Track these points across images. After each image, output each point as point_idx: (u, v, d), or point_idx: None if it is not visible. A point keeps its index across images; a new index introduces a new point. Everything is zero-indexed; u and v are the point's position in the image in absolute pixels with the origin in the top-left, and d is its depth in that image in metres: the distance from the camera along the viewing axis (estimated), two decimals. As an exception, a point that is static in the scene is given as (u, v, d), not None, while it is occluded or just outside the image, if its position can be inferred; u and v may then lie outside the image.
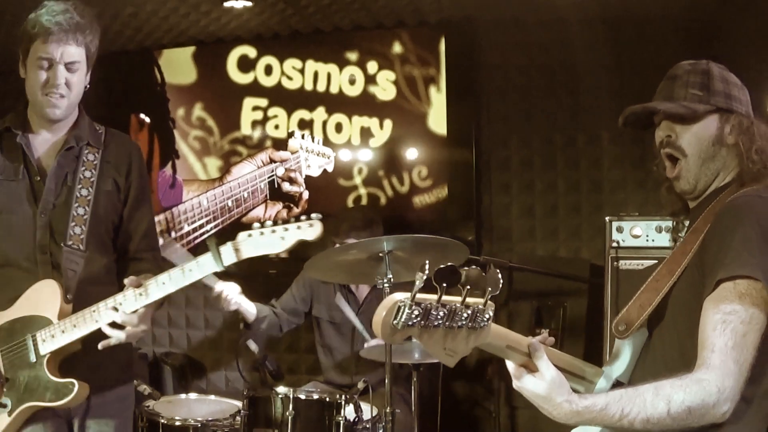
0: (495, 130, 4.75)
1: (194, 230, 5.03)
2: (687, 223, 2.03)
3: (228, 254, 2.32)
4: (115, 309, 2.37)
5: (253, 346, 3.47)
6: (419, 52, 4.72)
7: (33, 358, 2.43)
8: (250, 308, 4.00)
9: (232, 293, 3.88)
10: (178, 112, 5.08)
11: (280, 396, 3.27)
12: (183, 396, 4.20)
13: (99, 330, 2.40)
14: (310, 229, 2.32)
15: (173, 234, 5.04)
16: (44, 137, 2.60)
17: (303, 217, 2.31)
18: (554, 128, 4.68)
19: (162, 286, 2.37)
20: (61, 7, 2.47)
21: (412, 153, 4.75)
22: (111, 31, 4.78)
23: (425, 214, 4.65)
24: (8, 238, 2.53)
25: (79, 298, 2.49)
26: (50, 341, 2.42)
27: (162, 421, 3.80)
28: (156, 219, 4.93)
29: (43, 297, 2.47)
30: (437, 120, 4.68)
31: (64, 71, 2.47)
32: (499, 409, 4.32)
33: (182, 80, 5.09)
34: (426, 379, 3.82)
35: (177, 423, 3.75)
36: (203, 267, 2.34)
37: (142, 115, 5.16)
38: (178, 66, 5.09)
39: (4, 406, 2.44)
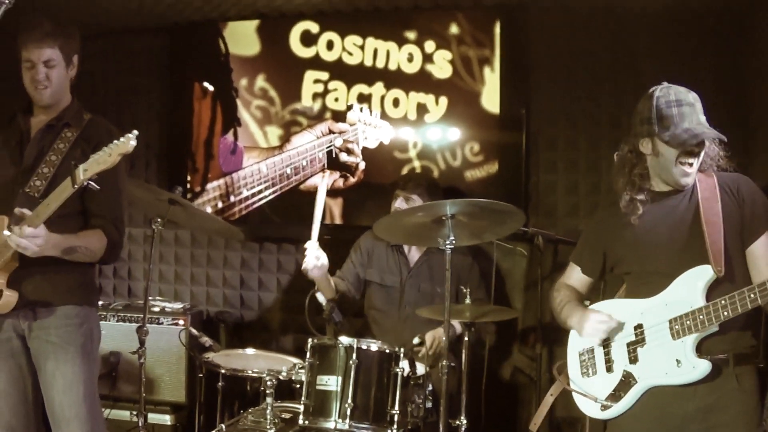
0: (544, 110, 4.91)
1: (253, 195, 5.17)
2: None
3: (79, 173, 2.82)
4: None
5: (321, 298, 3.65)
6: (475, 34, 4.87)
7: None
8: (327, 288, 4.16)
9: (314, 264, 3.97)
10: (241, 82, 5.23)
11: (344, 346, 3.45)
12: (240, 351, 4.42)
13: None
14: (126, 143, 2.82)
15: (232, 198, 5.25)
16: (40, 119, 3.29)
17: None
18: (599, 110, 4.85)
19: (46, 207, 2.90)
20: (37, 21, 3.13)
21: (465, 129, 4.91)
22: (180, 2, 5.00)
23: (476, 187, 4.79)
24: None
25: None
26: None
27: (222, 371, 4.06)
28: (216, 183, 5.25)
29: None
30: (490, 99, 4.84)
31: (44, 68, 3.17)
32: (540, 375, 4.50)
33: (246, 52, 5.23)
34: (473, 342, 4.00)
35: (237, 374, 3.99)
36: (65, 187, 2.88)
37: (206, 84, 5.31)
38: (242, 38, 5.24)
39: None
